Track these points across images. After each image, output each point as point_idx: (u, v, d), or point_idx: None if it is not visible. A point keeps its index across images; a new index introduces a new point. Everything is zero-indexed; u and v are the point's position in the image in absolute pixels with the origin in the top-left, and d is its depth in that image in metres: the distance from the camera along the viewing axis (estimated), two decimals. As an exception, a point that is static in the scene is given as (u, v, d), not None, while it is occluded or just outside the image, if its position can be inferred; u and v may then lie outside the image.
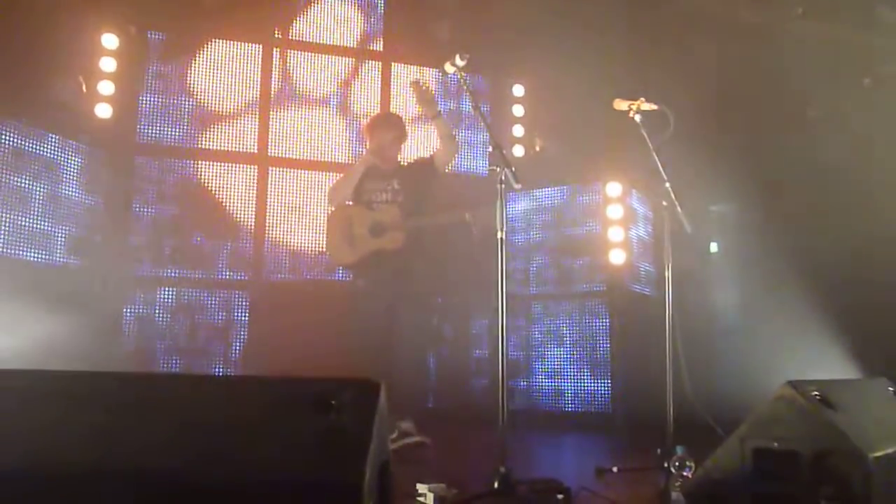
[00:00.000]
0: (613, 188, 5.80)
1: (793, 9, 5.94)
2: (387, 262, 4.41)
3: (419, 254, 4.52)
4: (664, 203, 3.44)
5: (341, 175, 4.81)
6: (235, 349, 5.64)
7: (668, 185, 3.41)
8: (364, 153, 4.67)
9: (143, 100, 5.68)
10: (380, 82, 6.27)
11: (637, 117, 3.49)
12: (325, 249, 4.95)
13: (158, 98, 5.71)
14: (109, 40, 5.40)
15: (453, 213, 4.36)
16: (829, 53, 5.93)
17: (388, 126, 4.58)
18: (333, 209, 4.64)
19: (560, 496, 2.89)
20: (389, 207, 4.45)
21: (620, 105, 3.56)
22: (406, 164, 4.73)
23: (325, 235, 4.82)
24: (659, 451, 3.23)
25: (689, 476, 2.70)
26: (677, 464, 2.81)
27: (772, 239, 5.86)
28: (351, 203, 4.57)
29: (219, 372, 5.58)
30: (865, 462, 2.09)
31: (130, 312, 5.47)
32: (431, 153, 4.65)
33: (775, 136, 6.11)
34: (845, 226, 5.71)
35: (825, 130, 6.14)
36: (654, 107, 3.48)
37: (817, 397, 2.27)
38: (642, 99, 3.51)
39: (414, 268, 4.49)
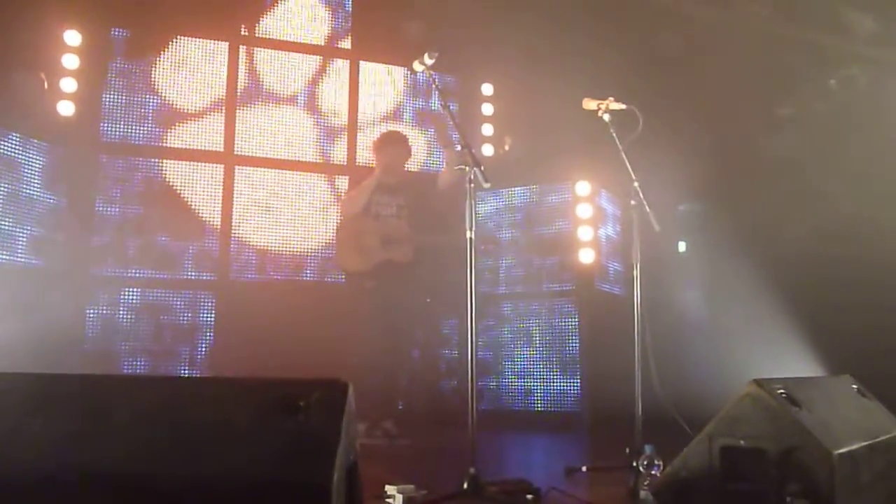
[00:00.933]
0: (583, 187, 5.83)
1: (760, 9, 6.02)
2: (396, 273, 4.75)
3: (425, 268, 4.97)
4: (633, 202, 3.45)
5: (353, 189, 5.04)
6: (201, 350, 5.56)
7: (636, 184, 3.43)
8: (375, 170, 4.89)
9: (106, 97, 5.57)
10: (348, 80, 6.23)
11: (606, 117, 3.51)
12: (334, 258, 5.37)
13: (122, 96, 5.61)
14: (72, 37, 5.30)
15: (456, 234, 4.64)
16: (797, 54, 6.02)
17: (396, 145, 4.92)
18: (342, 220, 5.01)
19: (529, 496, 2.89)
20: (398, 222, 4.83)
21: (589, 104, 3.57)
22: (411, 176, 5.23)
23: (335, 245, 5.21)
24: (628, 450, 3.24)
25: (658, 475, 2.70)
26: (646, 463, 2.81)
27: (740, 238, 5.92)
28: (359, 215, 4.81)
29: (184, 373, 5.49)
30: (830, 458, 2.12)
31: (94, 313, 5.37)
32: (437, 174, 5.05)
33: (744, 136, 6.19)
34: (812, 225, 5.80)
35: (793, 130, 6.23)
36: (623, 106, 3.50)
37: (783, 395, 2.29)
38: (611, 98, 3.52)
39: (421, 282, 4.99)
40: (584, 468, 3.58)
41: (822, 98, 6.18)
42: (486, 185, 3.06)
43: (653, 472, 2.79)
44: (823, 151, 5.93)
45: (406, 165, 5.07)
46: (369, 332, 4.73)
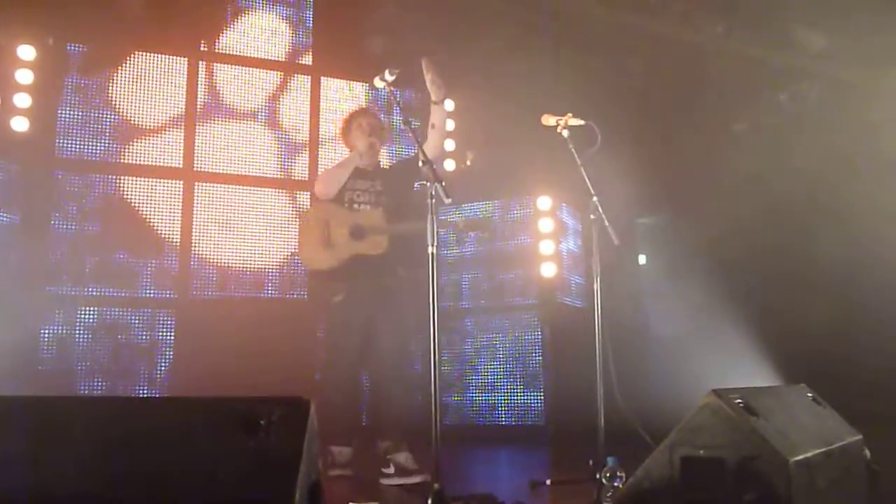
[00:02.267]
0: (544, 202, 5.88)
1: (715, 28, 6.16)
2: (367, 269, 4.06)
3: (401, 262, 4.20)
4: (592, 216, 3.49)
5: (328, 168, 4.55)
6: (161, 369, 5.47)
7: (595, 198, 3.47)
8: (357, 148, 4.29)
9: (62, 113, 5.48)
10: (309, 96, 6.22)
11: (565, 132, 3.54)
12: (298, 251, 4.50)
13: (78, 111, 5.52)
14: (26, 51, 5.21)
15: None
16: (750, 71, 6.17)
17: (371, 118, 4.37)
18: (310, 206, 4.51)
19: (494, 511, 2.89)
20: (372, 210, 4.14)
21: (548, 120, 3.61)
22: (388, 165, 4.64)
23: (298, 237, 4.37)
24: (591, 462, 3.26)
25: (620, 486, 2.73)
26: (608, 475, 2.84)
27: (698, 250, 6.03)
28: (330, 203, 4.20)
29: (143, 393, 5.40)
30: (786, 466, 2.15)
31: (49, 332, 5.25)
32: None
33: (701, 150, 6.31)
34: (768, 237, 5.92)
35: (749, 144, 6.37)
36: (582, 122, 3.54)
37: (740, 405, 2.32)
38: (570, 114, 3.56)
39: (395, 278, 4.17)
40: (548, 482, 3.60)
41: (773, 112, 6.34)
42: (448, 201, 3.06)
43: (615, 484, 2.82)
44: (777, 164, 6.07)
45: (383, 146, 4.44)
46: (333, 351, 4.25)
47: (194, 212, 5.71)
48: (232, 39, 6.03)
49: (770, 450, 2.19)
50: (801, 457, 2.24)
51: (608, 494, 2.81)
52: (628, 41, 6.15)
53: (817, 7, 5.56)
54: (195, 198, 5.73)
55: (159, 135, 5.74)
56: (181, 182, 5.72)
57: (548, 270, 5.80)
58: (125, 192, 5.58)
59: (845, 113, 6.08)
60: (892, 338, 5.48)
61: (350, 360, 4.11)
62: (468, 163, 6.45)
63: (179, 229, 5.65)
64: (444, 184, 3.06)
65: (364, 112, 4.47)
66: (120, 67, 5.67)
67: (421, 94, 3.93)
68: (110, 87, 5.63)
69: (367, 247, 4.05)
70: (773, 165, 6.09)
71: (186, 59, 5.85)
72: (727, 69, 6.12)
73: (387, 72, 3.40)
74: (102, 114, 5.60)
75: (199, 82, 5.87)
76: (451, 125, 6.45)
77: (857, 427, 2.90)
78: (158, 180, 5.66)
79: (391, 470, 3.83)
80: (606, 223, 3.45)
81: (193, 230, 5.68)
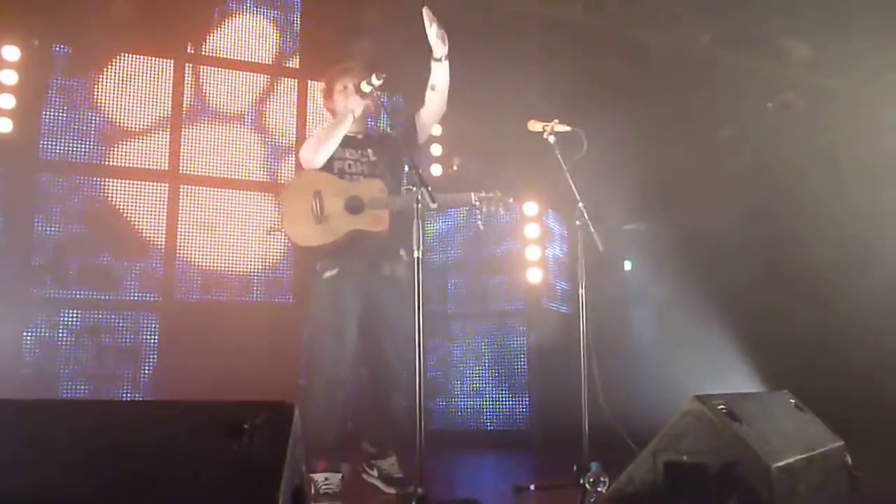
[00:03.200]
0: (530, 207, 5.90)
1: (701, 36, 6.21)
2: (365, 249, 3.55)
3: (402, 243, 3.62)
4: (578, 222, 3.51)
5: (315, 132, 3.88)
6: (144, 373, 5.43)
7: (581, 205, 3.49)
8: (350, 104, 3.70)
9: (46, 115, 5.44)
10: (296, 99, 6.20)
11: (551, 138, 3.57)
12: (280, 226, 3.73)
13: (63, 113, 5.48)
14: (10, 52, 5.16)
15: (455, 193, 3.62)
16: (737, 79, 6.22)
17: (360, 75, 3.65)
18: (295, 176, 3.87)
19: (478, 516, 2.89)
20: (369, 182, 3.61)
21: (535, 126, 3.63)
22: (377, 132, 4.05)
23: (281, 208, 3.72)
24: (575, 467, 3.28)
25: (604, 491, 2.74)
26: (592, 480, 2.84)
27: (682, 257, 6.06)
28: (316, 170, 3.65)
29: (127, 397, 5.36)
30: (768, 472, 2.17)
31: (31, 335, 5.20)
32: (415, 110, 3.84)
33: (687, 157, 6.35)
34: (754, 243, 5.96)
35: (735, 151, 6.42)
36: (568, 128, 3.56)
37: (723, 410, 2.34)
38: (556, 120, 3.59)
39: (397, 261, 3.67)
40: (532, 487, 3.61)
41: (760, 120, 6.39)
42: (433, 206, 3.06)
43: (599, 489, 2.82)
44: (763, 172, 6.13)
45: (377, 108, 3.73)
46: (321, 340, 3.58)
47: (179, 215, 5.67)
48: (219, 42, 6.01)
49: (752, 455, 2.21)
50: (783, 462, 2.26)
51: (591, 500, 2.81)
52: (616, 48, 6.18)
53: (803, 17, 5.62)
54: (180, 200, 5.70)
55: (145, 137, 5.71)
56: (166, 185, 5.69)
57: (534, 276, 5.82)
58: (110, 195, 5.55)
59: (831, 120, 6.15)
60: (874, 345, 5.53)
61: (341, 355, 3.51)
62: (455, 168, 6.45)
63: (164, 232, 5.61)
64: (430, 188, 3.06)
65: (348, 71, 3.81)
66: (106, 69, 5.64)
67: (409, 98, 3.75)
68: (96, 89, 5.60)
69: (367, 222, 3.53)
70: (759, 173, 6.14)
71: (173, 61, 5.82)
72: (714, 77, 6.16)
73: (373, 76, 3.39)
74: (87, 115, 5.55)
75: (186, 85, 5.84)
76: (437, 130, 6.45)
77: (839, 433, 2.93)
78: (143, 183, 5.63)
79: (375, 473, 3.62)
80: (592, 229, 3.47)
81: (178, 233, 5.64)
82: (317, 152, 3.61)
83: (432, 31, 3.47)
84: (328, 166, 3.65)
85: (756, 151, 6.32)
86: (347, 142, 3.72)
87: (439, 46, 3.51)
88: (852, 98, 6.20)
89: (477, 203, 3.54)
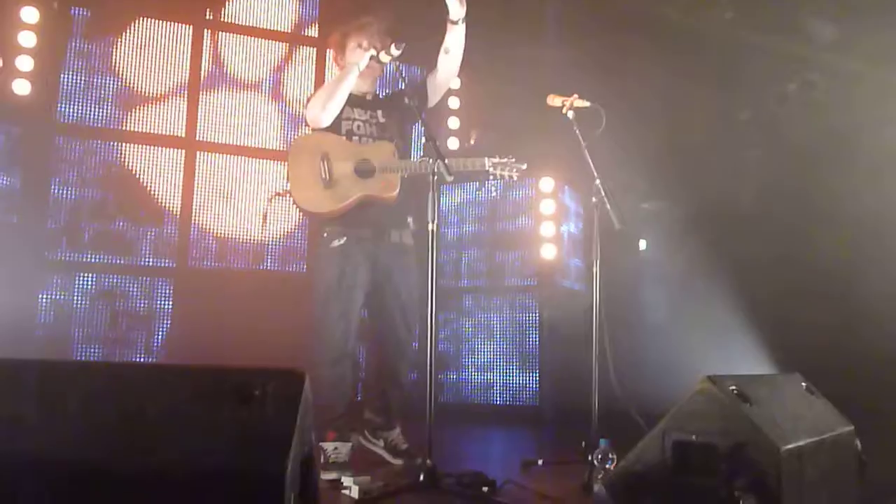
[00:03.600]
0: (546, 183, 5.86)
1: (723, 13, 6.11)
2: (373, 215, 3.44)
3: (410, 210, 3.59)
4: (594, 200, 3.48)
5: (322, 87, 3.68)
6: (158, 338, 5.48)
7: (598, 181, 3.45)
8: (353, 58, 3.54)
9: (64, 78, 5.44)
10: (314, 68, 6.17)
11: (570, 114, 3.52)
12: (287, 190, 3.51)
13: (81, 77, 5.48)
14: (29, 14, 5.16)
15: (469, 159, 3.50)
16: (758, 59, 6.12)
17: (377, 40, 3.56)
18: (301, 137, 3.70)
19: (485, 488, 2.91)
20: (379, 144, 3.49)
21: (554, 101, 3.58)
22: (385, 94, 3.90)
23: (287, 172, 3.50)
24: (583, 443, 3.28)
25: (612, 468, 2.74)
26: (600, 456, 2.86)
27: (699, 237, 6.02)
28: (323, 131, 3.50)
29: (140, 361, 5.41)
30: (777, 454, 2.16)
31: (46, 298, 5.25)
32: (428, 72, 3.71)
33: (706, 137, 6.28)
34: (770, 226, 5.91)
35: (754, 132, 6.34)
36: (587, 104, 3.51)
37: (734, 392, 2.33)
38: (575, 95, 3.54)
39: (406, 229, 3.59)
40: (540, 461, 3.62)
41: (781, 102, 6.30)
42: (450, 179, 3.05)
43: (607, 466, 2.84)
44: (782, 153, 6.05)
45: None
46: (328, 309, 3.45)
47: (195, 181, 5.69)
48: (238, 9, 5.98)
49: (762, 437, 2.20)
50: (792, 445, 2.24)
51: (599, 476, 2.83)
52: (635, 25, 6.10)
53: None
54: (196, 167, 5.71)
55: (162, 103, 5.71)
56: (183, 151, 5.70)
57: (548, 252, 5.79)
58: (126, 160, 5.56)
59: (853, 105, 6.05)
60: (890, 330, 5.49)
61: (348, 325, 3.43)
62: (472, 141, 6.42)
63: (180, 198, 5.63)
64: (446, 161, 3.04)
65: (365, 28, 3.64)
66: (124, 33, 5.63)
67: (427, 70, 3.62)
68: (114, 53, 5.59)
69: (378, 187, 3.39)
70: (777, 154, 6.07)
71: (191, 26, 5.81)
72: (735, 57, 6.07)
73: (392, 46, 3.36)
74: (105, 80, 5.56)
75: (204, 51, 5.82)
76: (455, 103, 6.42)
77: (850, 418, 2.91)
78: (160, 149, 5.64)
79: (381, 444, 3.62)
80: (608, 206, 3.44)
81: (194, 200, 5.66)
82: (324, 109, 3.43)
83: None
84: (335, 126, 3.51)
85: (775, 133, 6.24)
86: (355, 101, 3.59)
87: (456, 7, 3.38)
88: (878, 81, 6.09)
89: (490, 168, 3.46)
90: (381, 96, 3.82)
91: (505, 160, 3.49)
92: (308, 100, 3.68)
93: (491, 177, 3.47)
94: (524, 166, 3.55)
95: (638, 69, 6.03)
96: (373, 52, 3.41)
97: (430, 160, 3.06)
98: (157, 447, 1.70)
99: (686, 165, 6.19)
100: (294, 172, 3.47)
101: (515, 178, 3.53)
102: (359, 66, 3.48)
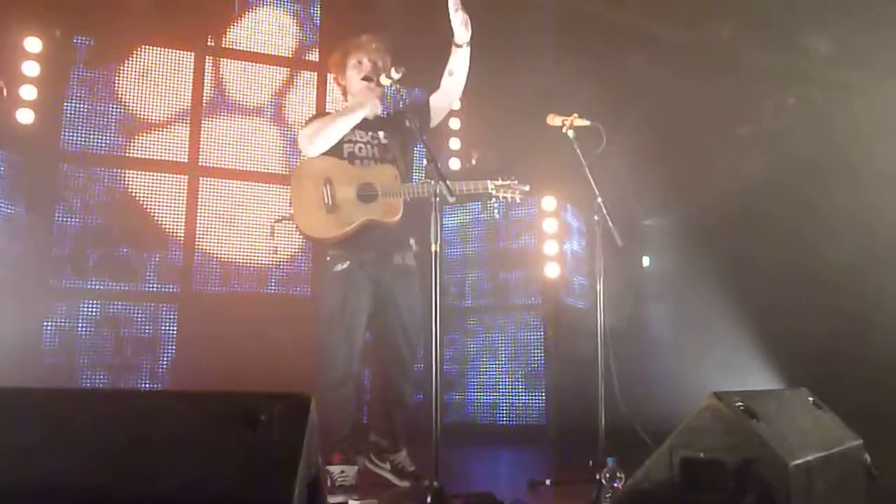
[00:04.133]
0: (549, 202, 5.88)
1: (721, 31, 6.15)
2: (376, 238, 3.44)
3: (412, 233, 3.58)
4: (596, 217, 3.49)
5: (318, 118, 3.65)
6: (163, 364, 5.48)
7: (599, 199, 3.46)
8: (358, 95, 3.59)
9: (68, 106, 5.49)
10: (315, 92, 6.22)
11: (570, 133, 3.54)
12: (291, 216, 3.53)
13: (84, 104, 5.53)
14: (33, 44, 5.21)
15: (472, 181, 3.50)
16: (757, 74, 6.16)
17: (379, 61, 3.62)
18: (300, 162, 3.75)
19: (493, 509, 2.89)
20: (381, 167, 3.48)
21: (554, 120, 3.60)
22: (386, 114, 3.85)
23: (290, 196, 3.53)
24: (591, 462, 3.26)
25: (620, 487, 2.73)
26: (608, 475, 2.84)
27: (702, 253, 6.02)
28: (326, 155, 3.50)
29: (145, 387, 5.41)
30: (786, 470, 2.15)
31: (51, 325, 5.25)
32: (431, 93, 3.72)
33: (706, 153, 6.30)
34: (773, 240, 5.91)
35: (754, 147, 6.36)
36: (587, 123, 3.53)
37: (741, 407, 2.32)
38: (575, 115, 3.56)
39: (408, 252, 3.59)
40: (547, 481, 3.60)
41: (779, 116, 6.32)
42: (452, 200, 3.05)
43: (615, 485, 2.82)
44: (782, 167, 6.07)
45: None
46: (333, 334, 3.45)
47: (199, 206, 5.71)
48: (239, 34, 6.03)
49: (770, 453, 2.19)
50: (800, 460, 2.24)
51: (607, 495, 2.81)
52: (635, 42, 6.14)
53: (824, 10, 5.55)
54: (200, 192, 5.74)
55: (165, 129, 5.75)
56: (186, 177, 5.73)
57: (551, 271, 5.80)
58: (130, 186, 5.59)
59: (851, 116, 6.07)
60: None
61: (352, 349, 3.42)
62: (473, 162, 6.45)
63: (183, 224, 5.65)
64: (448, 182, 3.04)
65: (365, 45, 3.66)
66: (126, 61, 5.68)
67: (428, 92, 3.64)
68: (116, 81, 5.64)
69: (380, 211, 3.37)
70: (778, 169, 6.09)
71: (193, 53, 5.86)
72: (734, 73, 6.11)
73: (393, 70, 3.37)
74: (108, 107, 5.60)
75: (206, 77, 5.87)
76: (456, 124, 6.45)
77: (858, 432, 2.90)
78: (163, 174, 5.67)
79: (387, 466, 3.60)
80: (611, 224, 3.45)
81: (197, 225, 5.68)
82: (312, 142, 3.48)
83: (457, 17, 3.40)
84: (336, 148, 3.50)
85: (775, 147, 6.26)
86: (358, 122, 3.59)
87: (462, 32, 3.43)
88: (874, 93, 6.12)
89: (493, 191, 3.48)
90: (383, 114, 3.81)
91: (508, 182, 3.51)
92: (306, 122, 3.70)
93: (494, 199, 3.50)
94: (527, 188, 3.56)
95: (638, 87, 6.07)
96: (385, 83, 3.38)
97: (432, 181, 3.07)
98: (164, 473, 1.70)
99: (687, 181, 6.21)
100: (297, 197, 3.47)
101: (518, 201, 3.55)
102: (367, 112, 3.52)
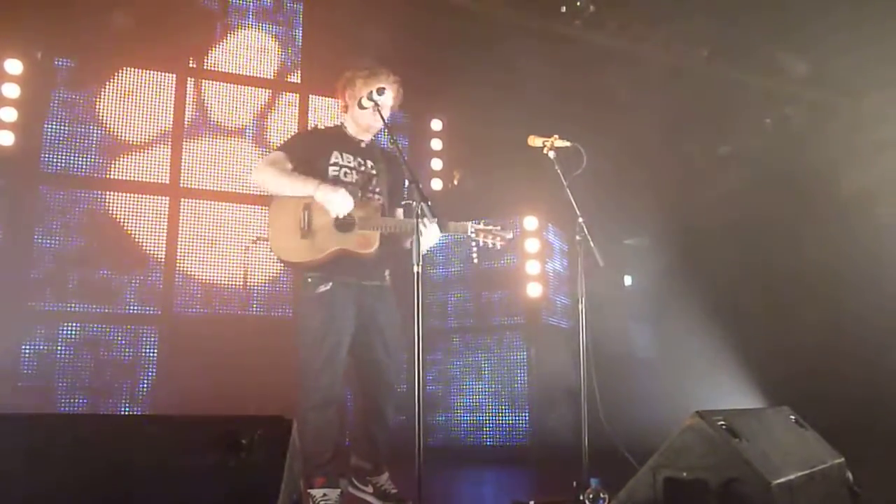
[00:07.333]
0: (530, 222, 5.91)
1: (699, 52, 6.24)
2: (350, 268, 3.39)
3: (388, 264, 3.55)
4: (578, 237, 3.51)
5: (276, 167, 3.46)
6: (143, 387, 5.41)
7: (580, 219, 3.49)
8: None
9: (48, 128, 5.46)
10: (297, 114, 6.23)
11: (551, 154, 3.56)
12: (267, 240, 3.52)
13: (65, 126, 5.50)
14: (13, 66, 5.20)
15: (454, 222, 3.46)
16: (735, 95, 6.25)
17: (390, 92, 3.53)
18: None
19: (477, 531, 2.87)
20: (365, 200, 3.45)
21: (535, 141, 3.63)
22: (380, 148, 3.74)
23: (268, 221, 3.46)
24: (575, 483, 3.26)
25: (603, 507, 2.72)
26: (591, 496, 2.84)
27: (683, 272, 6.06)
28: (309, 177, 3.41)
29: (125, 411, 5.34)
30: (769, 489, 2.16)
31: (30, 348, 5.19)
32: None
33: (686, 172, 6.37)
34: (753, 259, 5.97)
35: (734, 166, 6.44)
36: (568, 143, 3.56)
37: (723, 427, 2.33)
38: (556, 136, 3.59)
39: (383, 281, 3.55)
40: (531, 502, 3.58)
41: (757, 136, 6.41)
42: (433, 221, 3.05)
43: (598, 505, 2.82)
44: (761, 187, 6.14)
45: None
46: (315, 353, 3.36)
47: (180, 228, 5.68)
48: (221, 56, 6.04)
49: (752, 472, 2.20)
50: (783, 479, 2.25)
51: (591, 516, 2.80)
52: (615, 65, 6.21)
53: (800, 32, 5.64)
54: (181, 214, 5.71)
55: (146, 151, 5.73)
56: (167, 198, 5.70)
57: (534, 290, 5.81)
58: (110, 208, 5.55)
59: (829, 135, 6.16)
60: (876, 361, 5.52)
61: (334, 370, 3.36)
62: (455, 182, 6.48)
63: (164, 245, 5.61)
64: (429, 203, 3.04)
65: (372, 76, 3.55)
66: (108, 83, 5.66)
67: (410, 113, 3.61)
68: (98, 103, 5.62)
69: (355, 242, 3.34)
70: (757, 188, 6.16)
71: (175, 74, 5.85)
72: (713, 93, 6.19)
73: (374, 91, 3.40)
74: (89, 129, 5.57)
75: (188, 99, 5.86)
76: (438, 145, 6.49)
77: (840, 450, 2.92)
78: (144, 196, 5.64)
79: (369, 489, 3.51)
80: (592, 244, 3.46)
81: (179, 246, 5.65)
82: (261, 184, 3.49)
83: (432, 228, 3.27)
84: (321, 171, 3.43)
85: (754, 167, 6.34)
86: (347, 145, 3.54)
87: (434, 238, 3.42)
88: (851, 112, 6.22)
89: (473, 234, 3.46)
90: (377, 145, 3.73)
91: (490, 227, 3.49)
92: (277, 148, 3.60)
93: (473, 243, 3.46)
94: (510, 236, 3.53)
95: (618, 107, 6.13)
96: (367, 105, 3.35)
97: (414, 202, 3.06)
98: (145, 499, 1.68)
99: (668, 201, 6.27)
100: (274, 220, 3.44)
101: (499, 247, 3.52)
102: (318, 193, 3.32)
